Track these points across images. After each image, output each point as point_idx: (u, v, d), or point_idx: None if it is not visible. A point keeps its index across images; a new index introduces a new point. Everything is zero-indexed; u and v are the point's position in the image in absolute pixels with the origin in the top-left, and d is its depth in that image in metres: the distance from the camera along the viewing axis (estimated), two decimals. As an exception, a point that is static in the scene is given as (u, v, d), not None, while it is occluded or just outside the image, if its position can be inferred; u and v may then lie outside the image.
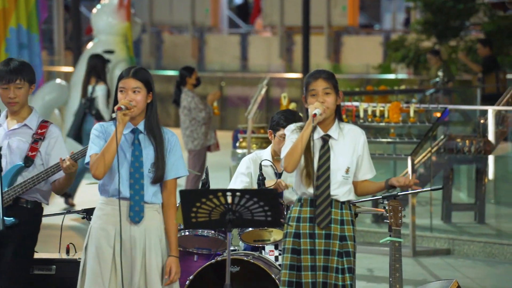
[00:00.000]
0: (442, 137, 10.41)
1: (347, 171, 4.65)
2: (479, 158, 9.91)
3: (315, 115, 4.58)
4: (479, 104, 12.66)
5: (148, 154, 4.62)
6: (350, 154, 4.67)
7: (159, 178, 4.61)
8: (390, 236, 5.09)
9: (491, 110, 10.00)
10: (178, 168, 4.68)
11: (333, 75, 4.72)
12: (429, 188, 6.04)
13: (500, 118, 10.14)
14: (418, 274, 8.07)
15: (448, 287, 5.52)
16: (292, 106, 10.45)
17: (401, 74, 19.40)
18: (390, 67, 19.87)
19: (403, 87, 15.05)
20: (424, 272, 8.15)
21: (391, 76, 19.10)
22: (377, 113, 9.74)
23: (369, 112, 9.77)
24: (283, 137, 5.85)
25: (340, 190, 4.65)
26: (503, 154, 10.60)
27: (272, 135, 5.92)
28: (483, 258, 8.55)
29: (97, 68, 10.46)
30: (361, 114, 9.80)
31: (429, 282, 5.89)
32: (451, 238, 9.24)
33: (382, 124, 9.75)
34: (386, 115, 9.73)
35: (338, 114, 4.73)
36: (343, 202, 4.66)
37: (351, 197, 4.70)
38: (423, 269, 8.36)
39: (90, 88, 10.40)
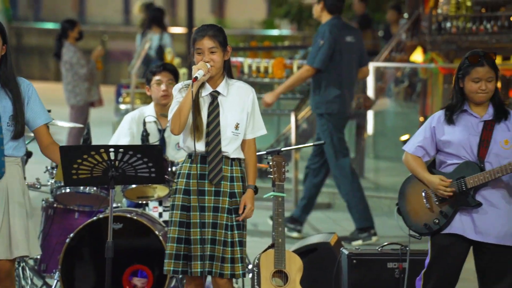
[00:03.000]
0: (324, 93, 10.56)
1: (236, 127, 4.65)
2: (359, 113, 10.14)
3: (195, 79, 4.55)
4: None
5: (6, 107, 4.50)
6: (239, 110, 4.67)
7: (19, 132, 4.51)
8: (273, 191, 5.16)
9: (370, 66, 10.21)
10: (44, 115, 4.58)
11: (220, 31, 4.67)
12: (312, 143, 6.12)
13: (379, 74, 10.39)
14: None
15: (328, 240, 5.65)
16: (177, 62, 10.37)
17: (285, 30, 19.54)
18: (274, 23, 19.97)
19: (286, 43, 15.16)
20: (305, 226, 8.31)
21: (275, 32, 19.20)
22: (261, 69, 9.80)
23: (253, 68, 9.81)
24: (157, 82, 5.84)
25: (230, 146, 4.65)
26: (381, 109, 10.88)
27: (149, 89, 5.89)
28: (363, 211, 8.76)
29: (158, 18, 11.04)
30: (245, 70, 9.83)
31: (310, 236, 6.02)
32: (332, 192, 9.45)
33: (266, 80, 9.81)
34: (270, 71, 9.79)
35: (227, 70, 4.71)
36: (233, 159, 4.67)
37: (242, 155, 4.71)
38: (305, 223, 8.52)
39: (153, 36, 11.13)
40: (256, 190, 4.72)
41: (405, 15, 11.10)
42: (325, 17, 7.76)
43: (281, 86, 8.15)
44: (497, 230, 4.59)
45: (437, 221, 4.65)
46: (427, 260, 4.72)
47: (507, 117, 4.66)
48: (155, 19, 11.47)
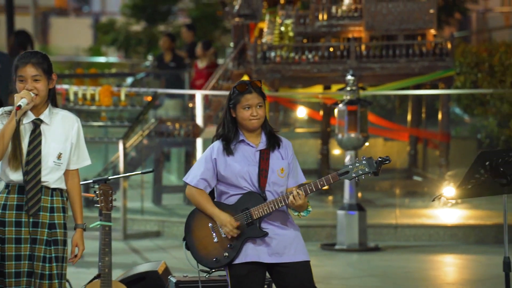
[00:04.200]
0: (153, 120, 10.56)
1: (59, 157, 4.55)
2: (188, 141, 10.19)
3: (19, 107, 4.42)
4: (188, 89, 13.00)
5: None
6: (62, 140, 4.57)
7: None
8: (100, 220, 5.07)
9: (199, 94, 10.31)
10: None
11: (45, 58, 4.55)
12: (140, 172, 6.08)
13: (207, 102, 10.50)
14: (128, 257, 8.13)
15: (156, 268, 5.62)
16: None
17: (112, 57, 19.38)
18: (101, 50, 19.77)
19: (114, 70, 15.04)
20: (134, 254, 8.23)
21: (102, 59, 19.00)
22: (88, 97, 9.66)
23: (80, 96, 9.66)
24: None
25: (51, 176, 4.53)
26: (210, 137, 10.96)
27: None
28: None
29: (25, 43, 10.78)
30: (71, 97, 9.66)
31: (139, 265, 5.96)
32: (161, 220, 9.42)
33: (93, 107, 9.68)
34: (97, 99, 9.67)
35: (52, 98, 4.61)
36: (54, 189, 4.55)
37: (63, 185, 4.60)
38: (133, 252, 8.44)
39: None
40: (84, 228, 4.63)
41: (231, 44, 11.30)
42: None
43: None
44: (288, 249, 4.72)
45: (227, 254, 4.70)
46: None
47: (280, 145, 4.80)
48: (22, 44, 11.39)
